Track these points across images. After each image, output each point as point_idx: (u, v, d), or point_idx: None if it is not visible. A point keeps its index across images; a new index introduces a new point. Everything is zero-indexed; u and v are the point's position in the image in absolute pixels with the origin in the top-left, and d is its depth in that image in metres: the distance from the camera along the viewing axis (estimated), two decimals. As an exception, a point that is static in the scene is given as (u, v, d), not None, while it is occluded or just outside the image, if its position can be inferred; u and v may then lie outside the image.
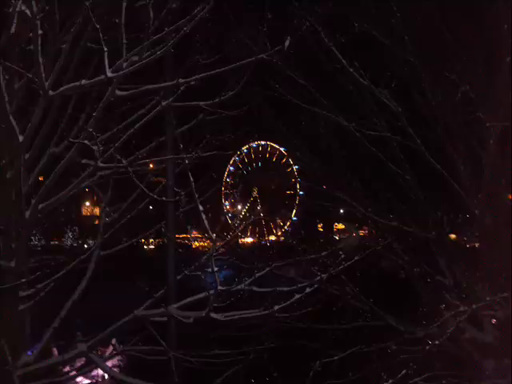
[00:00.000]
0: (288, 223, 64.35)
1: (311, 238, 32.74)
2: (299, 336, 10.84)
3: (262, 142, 63.46)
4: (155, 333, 8.60)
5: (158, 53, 7.14)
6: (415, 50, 10.38)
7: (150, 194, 8.01)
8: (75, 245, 44.93)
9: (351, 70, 10.78)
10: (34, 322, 8.64)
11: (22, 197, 7.75)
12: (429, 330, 9.61)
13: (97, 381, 14.13)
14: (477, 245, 11.46)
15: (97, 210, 35.12)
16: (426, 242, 10.82)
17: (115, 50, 6.89)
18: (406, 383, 9.01)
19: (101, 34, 6.55)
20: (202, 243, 41.85)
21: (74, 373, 9.16)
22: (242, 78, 7.82)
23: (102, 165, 7.41)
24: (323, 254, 8.79)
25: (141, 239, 13.26)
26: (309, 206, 30.47)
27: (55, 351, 9.56)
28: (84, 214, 52.78)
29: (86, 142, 7.15)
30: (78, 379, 12.21)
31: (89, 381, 14.04)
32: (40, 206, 8.08)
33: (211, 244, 7.72)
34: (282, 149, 59.97)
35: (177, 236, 9.95)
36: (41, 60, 6.89)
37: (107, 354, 10.20)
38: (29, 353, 8.41)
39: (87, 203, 51.24)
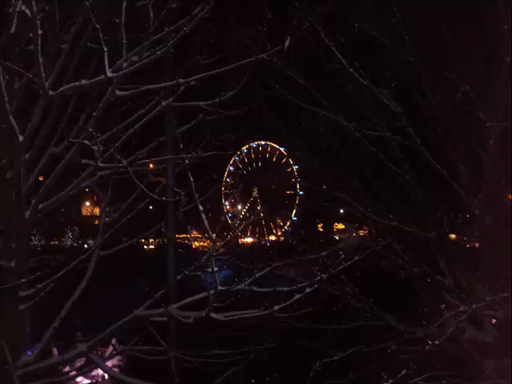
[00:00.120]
0: (288, 223, 64.40)
1: (311, 237, 32.71)
2: (299, 336, 10.84)
3: (262, 142, 63.51)
4: (155, 333, 8.60)
5: (158, 53, 7.14)
6: (415, 50, 10.38)
7: (150, 194, 8.01)
8: (75, 245, 44.96)
9: (351, 69, 10.78)
10: (34, 322, 8.64)
11: (22, 197, 7.75)
12: (429, 329, 9.61)
13: (97, 381, 14.12)
14: (477, 245, 11.45)
15: (97, 210, 35.11)
16: (426, 242, 10.82)
17: (115, 50, 6.89)
18: (406, 383, 9.01)
19: (101, 34, 6.55)
20: (202, 243, 41.85)
21: (74, 373, 9.16)
22: (241, 78, 7.83)
23: (102, 165, 7.41)
24: (323, 254, 8.79)
25: (141, 239, 13.25)
26: (309, 206, 30.36)
27: (55, 351, 9.56)
28: (84, 214, 52.85)
29: (86, 142, 7.15)
30: (78, 379, 12.20)
31: (89, 381, 14.03)
32: (40, 206, 8.08)
33: (211, 244, 7.71)
34: (282, 149, 60.04)
35: (177, 236, 9.95)
36: (41, 60, 6.89)
37: (107, 354, 10.20)
38: (29, 353, 8.41)
39: (87, 203, 51.31)
